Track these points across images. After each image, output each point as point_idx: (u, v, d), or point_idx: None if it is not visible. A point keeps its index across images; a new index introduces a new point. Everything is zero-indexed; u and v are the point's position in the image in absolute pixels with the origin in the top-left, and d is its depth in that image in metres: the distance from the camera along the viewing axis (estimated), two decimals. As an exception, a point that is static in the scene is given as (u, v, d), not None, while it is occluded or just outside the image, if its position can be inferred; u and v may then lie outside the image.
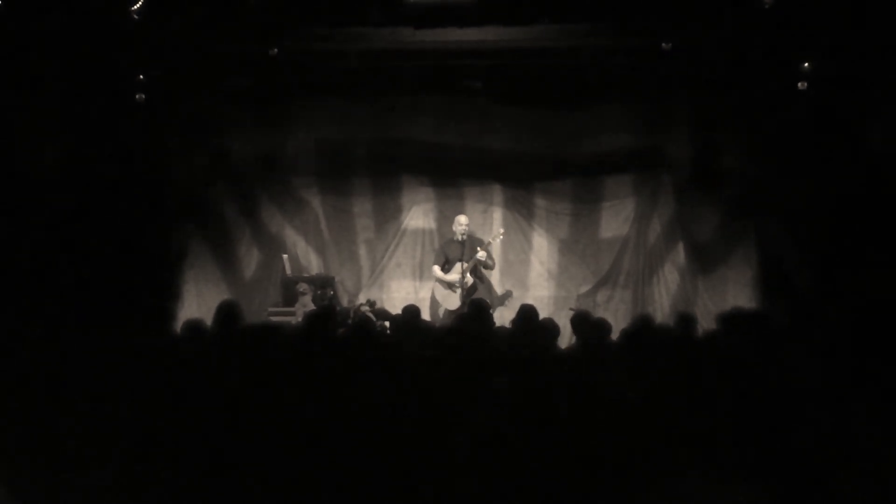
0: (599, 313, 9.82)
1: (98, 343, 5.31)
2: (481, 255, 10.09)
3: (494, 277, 10.96)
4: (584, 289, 11.05)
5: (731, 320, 5.97)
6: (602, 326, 6.38)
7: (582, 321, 6.62)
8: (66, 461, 3.54)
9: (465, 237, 10.23)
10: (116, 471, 3.58)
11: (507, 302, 10.71)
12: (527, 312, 6.83)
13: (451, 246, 10.39)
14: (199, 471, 3.66)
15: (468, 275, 10.14)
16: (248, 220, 10.98)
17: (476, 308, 7.22)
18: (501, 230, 10.60)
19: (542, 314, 9.15)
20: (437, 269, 10.48)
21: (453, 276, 10.26)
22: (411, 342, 6.14)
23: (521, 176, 11.12)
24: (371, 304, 10.26)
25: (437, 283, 10.49)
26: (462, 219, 10.34)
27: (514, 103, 10.61)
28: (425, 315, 10.15)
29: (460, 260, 10.16)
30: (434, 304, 10.60)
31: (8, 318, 6.43)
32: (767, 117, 9.57)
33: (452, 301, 10.30)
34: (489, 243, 10.31)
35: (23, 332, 5.42)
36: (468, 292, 10.11)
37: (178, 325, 8.56)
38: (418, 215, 11.33)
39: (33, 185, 8.63)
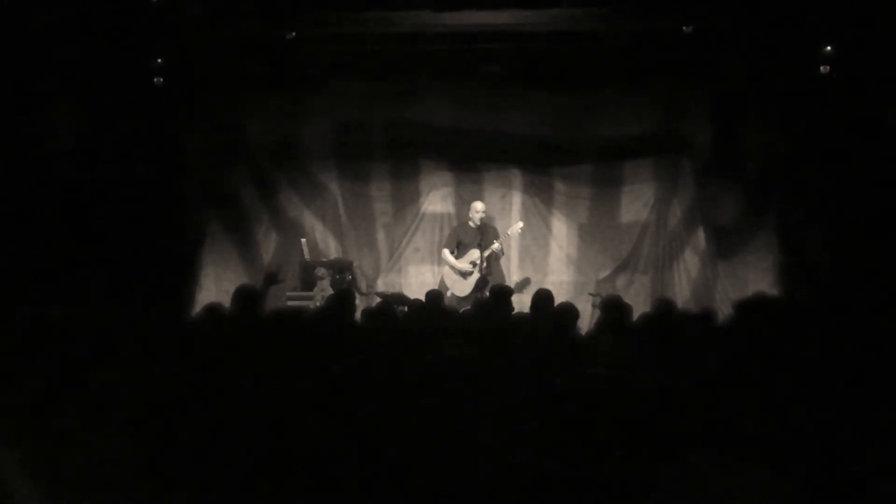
0: (618, 299, 9.78)
1: (117, 328, 5.32)
2: (496, 246, 10.04)
3: (513, 263, 10.94)
4: (603, 274, 11.01)
5: (748, 307, 5.95)
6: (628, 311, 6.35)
7: (614, 306, 6.54)
8: (82, 446, 3.54)
9: (481, 224, 10.19)
10: (134, 453, 3.58)
11: (524, 290, 10.63)
12: (542, 297, 6.79)
13: (466, 231, 10.33)
14: (217, 454, 3.65)
15: (485, 263, 10.07)
16: (267, 205, 10.96)
17: (498, 294, 7.19)
18: (520, 223, 10.53)
19: (562, 299, 9.12)
20: (447, 253, 10.40)
21: (465, 264, 10.20)
22: (431, 328, 6.11)
23: (541, 160, 11.06)
24: (381, 294, 10.25)
25: (448, 268, 10.44)
26: (478, 205, 10.29)
27: (533, 87, 10.53)
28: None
29: (478, 246, 10.10)
30: (443, 288, 10.53)
31: (25, 303, 6.44)
32: (789, 101, 9.50)
33: (461, 288, 10.22)
34: (507, 236, 10.27)
35: (40, 317, 5.42)
36: (480, 281, 10.06)
37: (197, 309, 8.60)
38: (437, 200, 11.30)
39: (52, 170, 8.65)
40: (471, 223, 10.28)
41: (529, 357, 4.86)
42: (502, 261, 10.54)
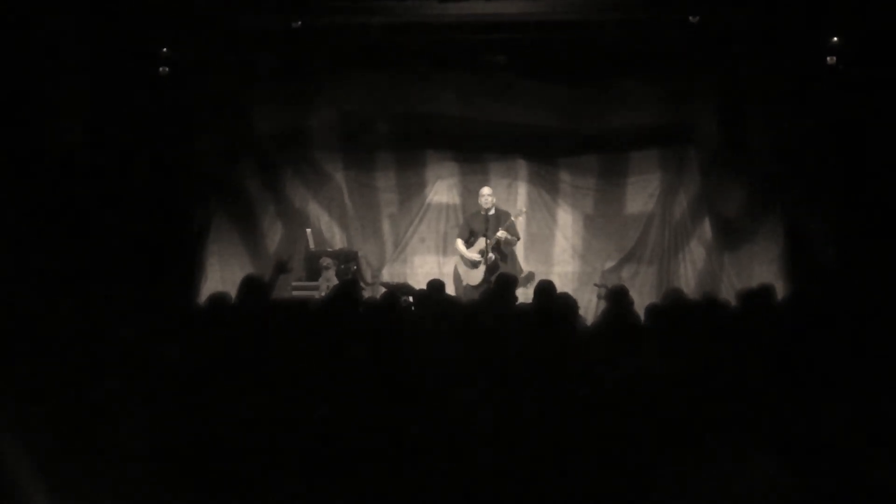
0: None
1: (123, 317, 5.33)
2: (501, 233, 10.02)
3: (520, 254, 10.92)
4: (609, 265, 11.00)
5: (750, 297, 5.96)
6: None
7: (619, 296, 6.53)
8: (89, 435, 3.55)
9: (491, 210, 10.17)
10: (142, 443, 3.59)
11: (528, 284, 10.59)
12: (544, 288, 6.77)
13: (477, 219, 10.33)
14: (224, 443, 3.66)
15: (491, 252, 10.07)
16: (272, 195, 10.96)
17: (502, 283, 7.17)
18: (523, 209, 10.52)
19: (567, 290, 9.14)
20: (460, 243, 10.43)
21: (474, 253, 10.21)
22: (435, 317, 6.11)
23: (546, 151, 11.05)
24: (386, 284, 10.26)
25: (460, 258, 10.45)
26: (485, 190, 10.30)
27: (539, 77, 10.52)
28: (449, 289, 10.16)
29: (485, 234, 10.10)
30: (457, 278, 10.56)
31: (33, 294, 6.45)
32: (795, 92, 9.48)
33: (474, 277, 10.25)
34: (511, 222, 10.24)
35: (48, 306, 5.44)
36: (490, 269, 10.05)
37: (203, 299, 8.61)
38: (442, 190, 11.29)
39: (58, 161, 8.66)
40: (482, 211, 10.27)
41: (531, 349, 4.84)
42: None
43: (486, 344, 4.85)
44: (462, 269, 10.45)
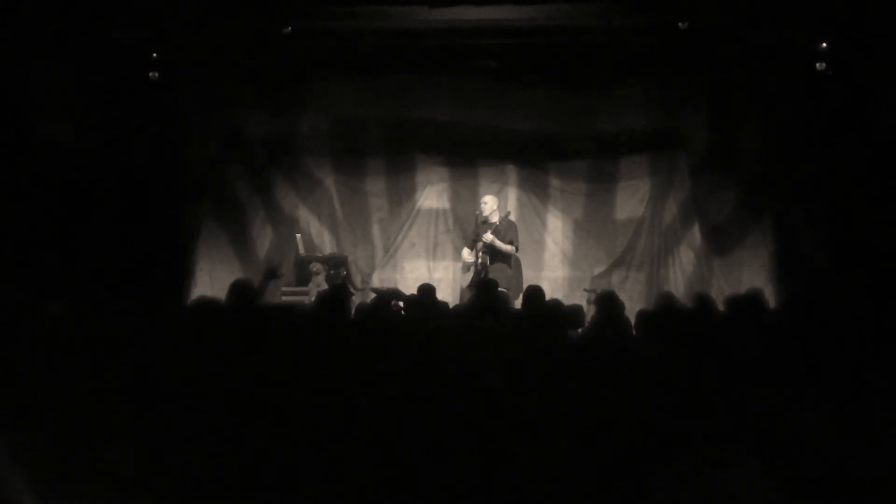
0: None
1: (111, 321, 5.31)
2: (488, 236, 9.94)
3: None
4: (598, 270, 11.02)
5: (739, 302, 5.97)
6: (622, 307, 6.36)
7: (609, 301, 6.53)
8: (75, 439, 3.53)
9: (492, 217, 10.07)
10: (127, 447, 3.57)
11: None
12: (532, 294, 6.77)
13: (479, 227, 10.25)
14: (210, 448, 3.64)
15: (481, 255, 10.03)
16: (262, 200, 10.94)
17: (481, 288, 7.16)
18: (509, 210, 10.49)
19: (557, 295, 9.14)
20: (465, 251, 10.40)
21: (472, 257, 10.19)
22: (424, 322, 6.11)
23: (536, 156, 11.06)
24: (376, 290, 10.25)
25: (463, 264, 10.44)
26: (485, 198, 10.20)
27: (529, 83, 10.51)
28: (450, 296, 10.17)
29: (475, 238, 10.10)
30: (456, 283, 10.58)
31: (20, 295, 6.43)
32: (785, 98, 9.51)
33: (466, 279, 10.26)
34: (501, 226, 10.13)
35: (35, 309, 5.42)
36: (479, 272, 10.03)
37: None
38: (432, 195, 11.30)
39: (47, 164, 8.64)
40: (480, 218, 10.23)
41: (523, 355, 4.84)
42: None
43: (474, 348, 4.85)
44: (460, 275, 10.48)
